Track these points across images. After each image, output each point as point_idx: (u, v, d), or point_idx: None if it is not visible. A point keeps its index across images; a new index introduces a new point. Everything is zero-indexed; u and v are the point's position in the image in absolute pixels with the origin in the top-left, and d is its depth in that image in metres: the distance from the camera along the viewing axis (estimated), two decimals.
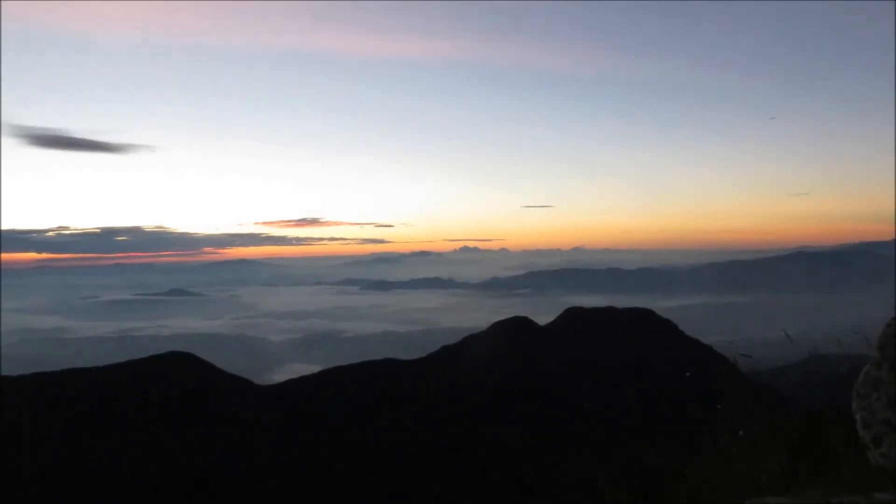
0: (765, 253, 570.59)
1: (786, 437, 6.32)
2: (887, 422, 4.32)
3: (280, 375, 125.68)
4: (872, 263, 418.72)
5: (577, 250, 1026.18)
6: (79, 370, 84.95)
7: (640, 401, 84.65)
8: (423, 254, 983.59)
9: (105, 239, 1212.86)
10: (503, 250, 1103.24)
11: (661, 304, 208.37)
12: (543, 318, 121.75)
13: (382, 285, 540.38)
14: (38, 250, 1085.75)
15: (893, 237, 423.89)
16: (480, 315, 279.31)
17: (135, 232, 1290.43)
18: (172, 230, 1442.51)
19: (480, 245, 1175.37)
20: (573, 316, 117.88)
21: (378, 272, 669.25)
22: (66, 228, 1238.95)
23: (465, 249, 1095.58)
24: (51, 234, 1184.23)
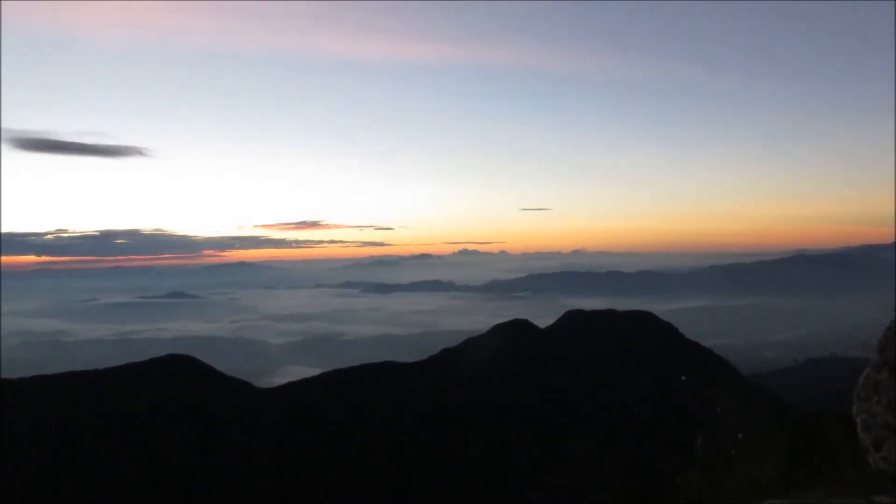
0: (765, 256, 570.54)
1: (786, 440, 6.32)
2: (888, 425, 4.32)
3: (280, 378, 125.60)
4: (872, 266, 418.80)
5: (577, 253, 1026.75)
6: (78, 373, 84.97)
7: (640, 403, 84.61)
8: (423, 256, 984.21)
9: (104, 242, 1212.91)
10: (502, 253, 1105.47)
11: (662, 307, 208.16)
12: (543, 320, 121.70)
13: (382, 288, 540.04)
14: (38, 253, 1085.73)
15: (893, 240, 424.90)
16: (480, 318, 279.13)
17: (134, 235, 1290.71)
18: (171, 233, 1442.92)
19: (479, 248, 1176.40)
20: (573, 319, 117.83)
21: (378, 275, 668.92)
22: (65, 231, 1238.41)
23: (464, 252, 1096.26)
24: (49, 236, 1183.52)
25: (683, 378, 10.82)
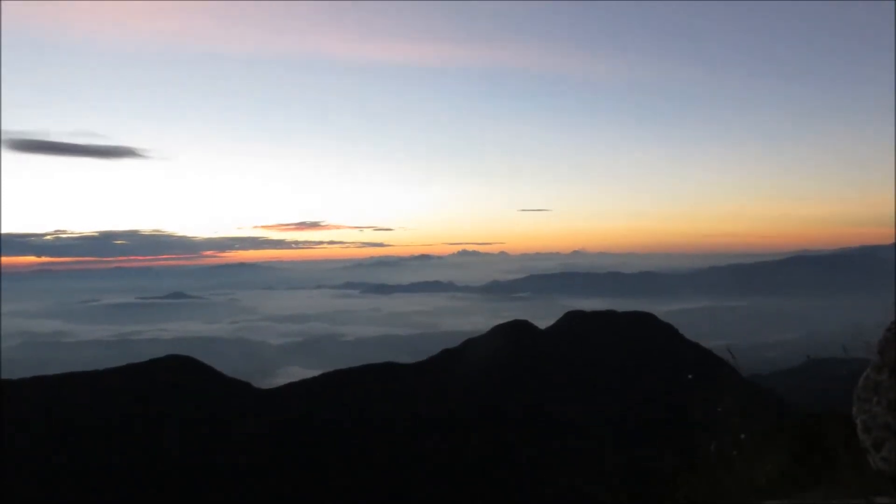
0: (765, 256, 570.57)
1: (786, 441, 6.33)
2: (888, 426, 4.33)
3: (280, 379, 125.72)
4: (872, 267, 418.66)
5: (577, 254, 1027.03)
6: (79, 374, 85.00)
7: (640, 404, 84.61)
8: (424, 257, 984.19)
9: (103, 243, 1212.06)
10: (502, 254, 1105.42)
11: (662, 308, 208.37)
12: (543, 321, 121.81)
13: (382, 289, 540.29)
14: (37, 254, 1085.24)
15: (894, 240, 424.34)
16: (481, 318, 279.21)
17: (133, 236, 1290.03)
18: (171, 234, 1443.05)
19: (479, 248, 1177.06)
20: (573, 319, 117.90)
21: (378, 275, 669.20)
22: (64, 232, 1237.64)
23: (463, 253, 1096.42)
24: (48, 237, 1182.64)
25: (690, 377, 10.87)
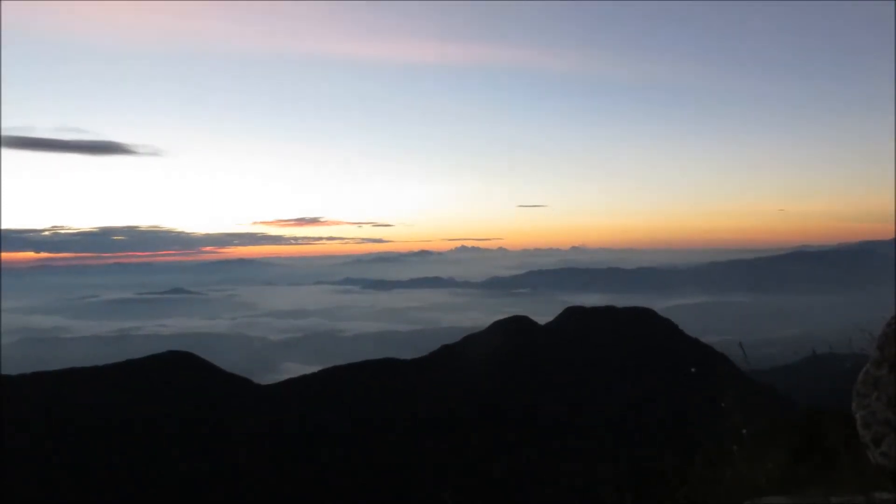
0: (765, 252, 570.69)
1: (786, 437, 6.32)
2: (887, 421, 4.32)
3: (279, 375, 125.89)
4: (872, 262, 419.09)
5: (576, 249, 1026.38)
6: (78, 369, 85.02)
7: (640, 400, 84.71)
8: (423, 253, 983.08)
9: (102, 238, 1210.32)
10: (501, 249, 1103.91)
11: (662, 304, 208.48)
12: (543, 317, 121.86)
13: (382, 284, 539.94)
14: (36, 250, 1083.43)
15: (893, 236, 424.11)
16: (480, 314, 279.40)
17: (131, 232, 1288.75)
18: (169, 229, 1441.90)
19: (478, 244, 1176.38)
20: (573, 315, 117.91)
21: (377, 271, 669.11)
22: (62, 228, 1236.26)
23: (462, 249, 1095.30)
24: (46, 233, 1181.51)
25: (693, 370, 10.91)
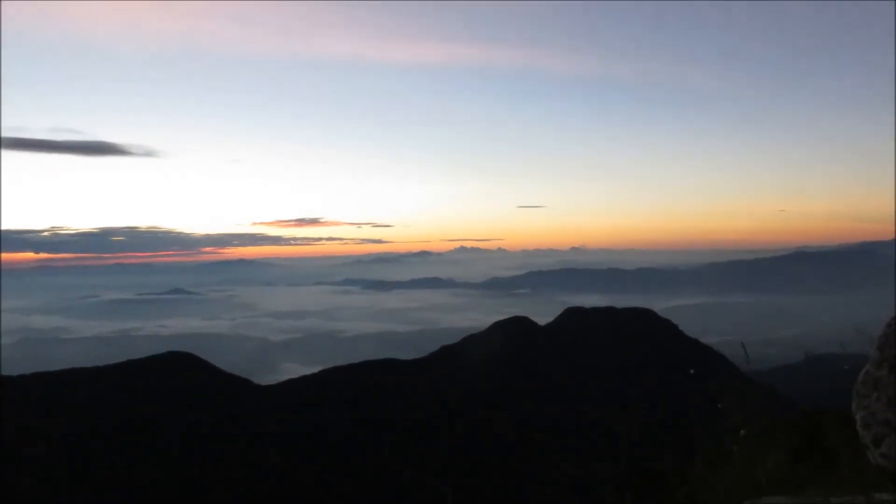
0: (765, 253, 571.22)
1: (786, 437, 6.31)
2: (887, 422, 4.32)
3: (279, 375, 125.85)
4: (872, 263, 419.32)
5: (576, 250, 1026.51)
6: (78, 370, 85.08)
7: (640, 400, 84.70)
8: (423, 254, 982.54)
9: (102, 239, 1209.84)
10: (500, 250, 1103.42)
11: (661, 304, 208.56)
12: (543, 318, 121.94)
13: (382, 285, 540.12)
14: (36, 250, 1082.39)
15: (893, 237, 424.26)
16: (480, 315, 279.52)
17: (131, 232, 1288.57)
18: (169, 230, 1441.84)
19: (478, 245, 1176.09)
20: (573, 316, 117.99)
21: (377, 272, 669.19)
22: (62, 229, 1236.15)
23: (462, 249, 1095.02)
24: (46, 234, 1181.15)
25: (692, 371, 10.92)
